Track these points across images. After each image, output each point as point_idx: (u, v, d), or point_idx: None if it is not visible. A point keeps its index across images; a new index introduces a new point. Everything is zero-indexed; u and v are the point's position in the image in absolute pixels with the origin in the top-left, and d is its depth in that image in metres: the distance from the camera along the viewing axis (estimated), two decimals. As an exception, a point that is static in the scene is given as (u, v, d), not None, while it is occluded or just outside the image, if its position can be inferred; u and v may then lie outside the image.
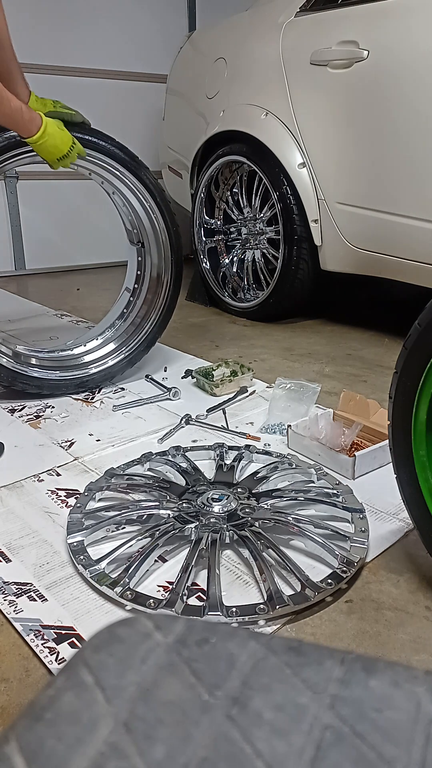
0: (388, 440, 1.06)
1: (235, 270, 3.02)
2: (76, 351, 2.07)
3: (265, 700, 0.32)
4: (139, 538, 1.16)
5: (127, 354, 2.05)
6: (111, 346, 2.07)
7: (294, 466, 1.44)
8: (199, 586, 1.09)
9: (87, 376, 1.99)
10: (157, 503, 1.28)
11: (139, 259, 2.07)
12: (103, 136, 1.85)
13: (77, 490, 1.39)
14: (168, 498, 1.30)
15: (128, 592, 1.05)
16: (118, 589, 1.06)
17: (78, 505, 1.31)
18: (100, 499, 1.35)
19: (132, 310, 2.09)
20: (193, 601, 1.05)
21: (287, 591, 1.05)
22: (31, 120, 1.52)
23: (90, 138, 1.81)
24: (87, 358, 2.04)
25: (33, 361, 1.95)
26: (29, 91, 1.75)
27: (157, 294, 2.06)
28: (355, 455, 1.43)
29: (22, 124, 1.51)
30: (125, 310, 2.10)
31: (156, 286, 2.06)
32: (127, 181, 1.93)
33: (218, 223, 3.03)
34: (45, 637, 0.98)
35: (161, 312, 2.05)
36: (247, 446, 1.55)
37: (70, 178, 3.77)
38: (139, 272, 2.08)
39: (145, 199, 1.96)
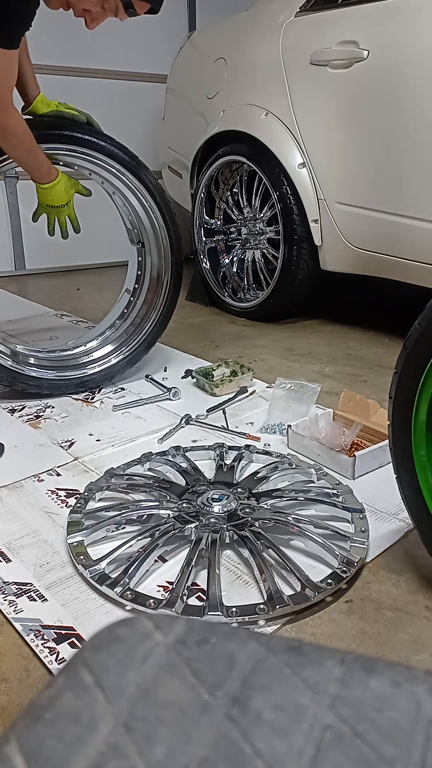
0: (388, 440, 1.06)
1: (235, 270, 3.02)
2: (76, 351, 2.07)
3: (265, 700, 0.32)
4: (139, 538, 1.16)
5: (127, 354, 2.05)
6: (110, 347, 2.07)
7: (294, 466, 1.44)
8: (199, 586, 1.09)
9: (87, 376, 1.99)
10: (157, 503, 1.28)
11: (140, 259, 2.07)
12: (103, 136, 1.85)
13: (77, 490, 1.39)
14: (168, 498, 1.30)
15: (128, 592, 1.05)
16: (118, 589, 1.05)
17: (78, 505, 1.31)
18: (100, 499, 1.35)
19: (132, 310, 2.09)
20: (193, 601, 1.05)
21: (287, 591, 1.05)
22: (48, 174, 1.74)
23: (90, 138, 1.81)
24: (87, 358, 2.04)
25: (32, 360, 1.94)
26: (38, 92, 1.78)
27: (157, 294, 2.06)
28: (355, 455, 1.43)
29: (39, 173, 1.73)
30: (125, 310, 2.09)
31: (156, 286, 2.06)
32: (127, 181, 1.93)
33: (218, 223, 3.03)
34: (45, 637, 0.98)
35: (161, 312, 2.05)
36: (247, 446, 1.55)
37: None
38: (139, 272, 2.08)
39: (145, 199, 1.96)
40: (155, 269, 2.05)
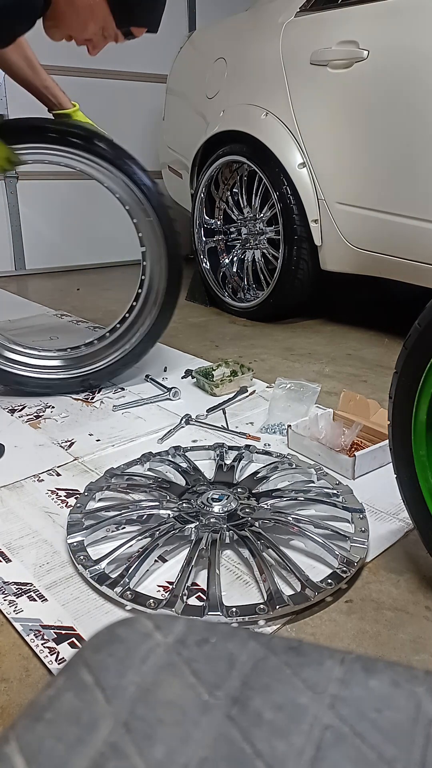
0: (388, 440, 1.06)
1: (235, 270, 3.02)
2: (77, 351, 2.06)
3: (265, 700, 0.32)
4: (139, 538, 1.16)
5: (125, 355, 2.05)
6: (110, 347, 2.06)
7: (294, 466, 1.44)
8: (199, 586, 1.09)
9: (86, 375, 1.99)
10: (157, 503, 1.28)
11: (144, 263, 2.06)
12: (109, 143, 1.85)
13: (77, 490, 1.39)
14: (168, 498, 1.30)
15: (128, 592, 1.05)
16: (118, 589, 1.05)
17: (78, 505, 1.31)
18: (100, 499, 1.35)
19: (132, 312, 2.09)
20: (193, 601, 1.05)
21: (287, 591, 1.05)
22: None
23: (84, 142, 1.82)
24: (88, 358, 2.05)
25: (32, 360, 1.94)
26: (69, 105, 1.85)
27: (156, 298, 2.05)
28: (355, 455, 1.43)
29: None
30: (127, 314, 2.10)
31: (155, 290, 2.06)
32: (121, 181, 1.92)
33: (218, 223, 3.03)
34: (45, 637, 0.98)
35: (157, 314, 2.05)
36: (247, 446, 1.55)
37: (70, 178, 3.77)
38: (143, 277, 2.07)
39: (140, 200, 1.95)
40: (155, 275, 2.04)
